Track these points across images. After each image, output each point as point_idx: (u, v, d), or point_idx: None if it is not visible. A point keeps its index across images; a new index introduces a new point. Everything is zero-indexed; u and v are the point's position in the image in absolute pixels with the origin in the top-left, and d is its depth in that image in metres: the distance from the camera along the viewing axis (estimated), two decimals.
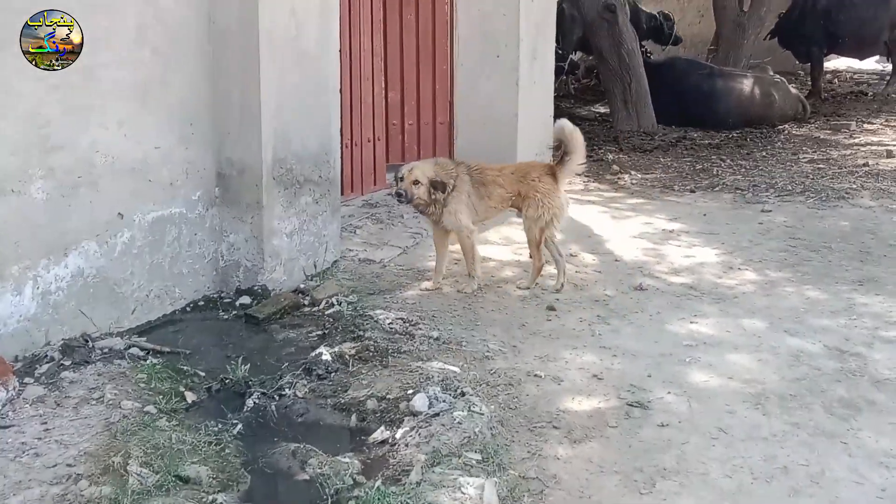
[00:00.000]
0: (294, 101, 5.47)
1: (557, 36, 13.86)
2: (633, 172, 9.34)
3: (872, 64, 17.13)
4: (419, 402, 4.13)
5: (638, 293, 5.83)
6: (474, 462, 3.65)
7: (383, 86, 7.42)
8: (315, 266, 5.80)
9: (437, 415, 4.04)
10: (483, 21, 7.88)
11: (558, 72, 13.55)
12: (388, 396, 4.27)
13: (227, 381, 4.46)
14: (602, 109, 13.40)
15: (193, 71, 5.19)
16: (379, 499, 3.40)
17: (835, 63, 17.08)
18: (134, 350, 4.66)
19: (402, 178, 5.53)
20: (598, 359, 4.82)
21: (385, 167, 7.52)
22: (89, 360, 4.48)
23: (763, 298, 5.80)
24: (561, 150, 5.79)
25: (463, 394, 4.20)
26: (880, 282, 6.05)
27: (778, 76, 12.87)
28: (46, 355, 4.48)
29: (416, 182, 5.50)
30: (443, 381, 4.33)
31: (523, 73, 7.86)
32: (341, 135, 6.26)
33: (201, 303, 5.40)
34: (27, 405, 4.05)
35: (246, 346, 4.89)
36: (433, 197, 5.53)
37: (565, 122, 5.79)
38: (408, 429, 3.97)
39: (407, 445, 3.85)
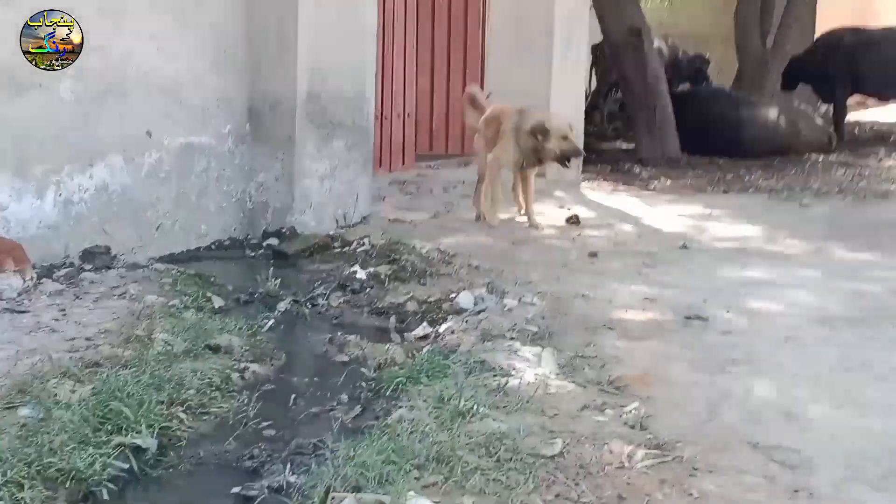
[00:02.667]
0: (330, 38, 5.32)
1: (595, 72, 13.94)
2: (663, 179, 9.12)
3: (894, 117, 17.03)
4: (464, 299, 3.86)
5: (683, 251, 5.55)
6: (530, 334, 3.35)
7: (415, 69, 7.28)
8: (345, 217, 5.56)
9: (484, 310, 3.75)
10: (516, 8, 7.77)
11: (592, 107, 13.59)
12: (429, 299, 4.00)
13: (256, 293, 4.19)
14: (625, 146, 13.25)
15: None
16: (430, 361, 3.10)
17: (857, 115, 17.00)
18: (158, 265, 4.40)
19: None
20: (649, 289, 4.52)
21: (414, 147, 7.33)
22: (111, 266, 4.22)
23: (814, 258, 5.51)
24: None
25: (509, 293, 3.92)
26: None
27: (805, 105, 12.73)
28: (66, 262, 4.23)
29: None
30: (488, 284, 4.05)
31: (556, 63, 7.72)
32: None
33: (227, 242, 5.17)
34: (44, 296, 3.78)
35: (274, 274, 4.61)
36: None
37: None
38: (452, 323, 3.68)
39: (453, 332, 3.56)
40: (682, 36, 17.34)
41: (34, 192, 4.17)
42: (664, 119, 11.50)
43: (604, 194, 7.98)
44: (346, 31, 5.45)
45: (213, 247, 5.08)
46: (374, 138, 6.14)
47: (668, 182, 9.01)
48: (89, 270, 4.12)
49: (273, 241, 5.15)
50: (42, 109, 4.18)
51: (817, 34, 16.19)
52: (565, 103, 7.89)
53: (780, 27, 13.77)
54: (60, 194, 4.29)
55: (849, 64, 13.95)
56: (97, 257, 4.25)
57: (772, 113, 11.93)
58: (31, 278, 3.83)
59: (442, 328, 3.65)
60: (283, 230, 5.23)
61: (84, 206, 4.40)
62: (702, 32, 17.69)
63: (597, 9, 10.72)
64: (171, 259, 4.75)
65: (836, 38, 14.17)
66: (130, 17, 4.53)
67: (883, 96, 15.08)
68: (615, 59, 11.82)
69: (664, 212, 7.05)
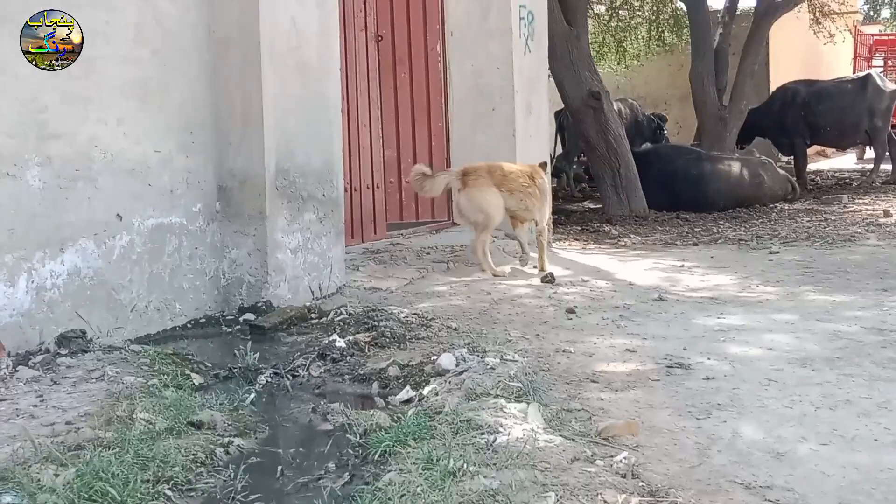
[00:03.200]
0: (296, 113, 5.37)
1: (560, 137, 14.14)
2: (632, 236, 9.21)
3: (853, 164, 17.35)
4: (446, 361, 3.84)
5: (658, 302, 5.59)
6: (515, 390, 3.34)
7: (381, 139, 7.35)
8: (320, 289, 5.55)
9: (466, 370, 3.74)
10: (477, 77, 7.91)
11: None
12: (410, 363, 3.98)
13: (235, 368, 4.15)
14: (592, 206, 13.38)
15: (193, 78, 5.09)
16: (416, 423, 3.07)
17: (816, 165, 17.30)
18: (135, 347, 4.35)
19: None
20: (628, 341, 4.55)
21: (385, 217, 7.37)
22: (87, 350, 4.17)
23: (788, 302, 5.57)
24: None
25: (489, 353, 3.92)
26: None
27: (765, 158, 12.95)
28: (41, 348, 4.18)
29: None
30: (468, 344, 4.05)
31: (519, 126, 7.82)
32: None
33: (202, 320, 5.10)
34: (20, 383, 3.72)
35: (253, 348, 4.57)
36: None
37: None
38: (435, 385, 3.66)
39: (437, 394, 3.53)
40: (640, 98, 17.76)
41: (6, 281, 4.12)
42: (629, 178, 11.67)
43: (575, 253, 8.05)
44: (312, 107, 5.50)
45: (188, 325, 5.02)
46: (344, 210, 6.16)
47: (638, 238, 9.11)
48: (65, 355, 4.06)
49: (249, 315, 5.11)
50: (10, 198, 4.14)
51: (772, 88, 16.61)
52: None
53: (736, 83, 14.15)
54: (33, 281, 4.24)
55: (805, 116, 14.28)
56: (72, 342, 4.19)
57: (734, 166, 12.15)
58: (7, 366, 3.77)
59: (426, 390, 3.62)
60: (259, 304, 5.20)
61: (57, 292, 4.35)
62: (659, 94, 18.12)
63: (555, 76, 10.94)
64: (147, 340, 4.69)
65: (791, 92, 14.53)
66: (96, 104, 4.53)
67: (840, 146, 15.42)
68: (577, 123, 12.02)
69: (637, 266, 7.11)
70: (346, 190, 6.50)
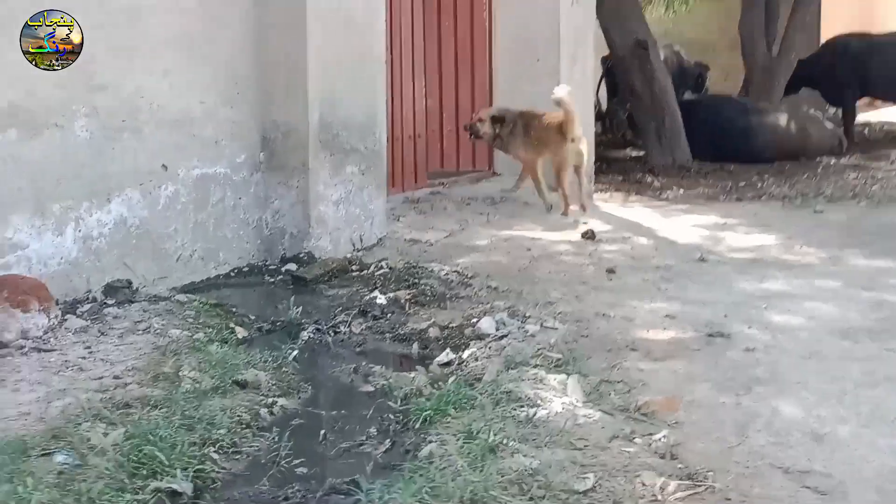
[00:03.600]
0: (340, 66, 5.35)
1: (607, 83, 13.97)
2: (675, 188, 9.11)
3: None
4: (486, 324, 3.87)
5: (700, 263, 5.55)
6: (554, 360, 3.36)
7: (424, 89, 7.31)
8: (361, 240, 5.58)
9: (506, 335, 3.77)
10: (522, 27, 7.79)
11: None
12: (450, 325, 4.00)
13: (278, 322, 4.21)
14: (634, 153, 13.25)
15: (240, 29, 5.09)
16: (456, 391, 3.10)
17: (865, 116, 16.94)
18: (180, 297, 4.42)
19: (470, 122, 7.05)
20: (668, 305, 4.53)
21: (425, 166, 7.37)
22: (133, 300, 4.24)
23: (831, 266, 5.51)
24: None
25: (530, 318, 3.93)
26: None
27: (813, 110, 12.72)
28: (88, 297, 4.26)
29: (480, 120, 6.95)
30: (509, 308, 4.06)
31: (563, 77, 7.70)
32: None
33: (245, 269, 5.17)
34: (69, 333, 3.80)
35: (296, 300, 4.62)
36: (497, 132, 6.93)
37: (562, 89, 6.83)
38: (475, 349, 3.69)
39: (477, 359, 3.56)
40: (687, 44, 17.38)
41: (53, 230, 4.19)
42: (673, 128, 11.52)
43: (617, 205, 7.99)
44: (356, 60, 5.48)
45: (232, 274, 5.09)
46: (386, 160, 6.16)
47: (681, 191, 9.01)
48: (112, 305, 4.15)
49: (291, 266, 5.16)
50: (58, 148, 4.20)
51: (823, 35, 16.22)
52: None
53: (786, 35, 13.78)
54: (80, 230, 4.31)
55: (856, 68, 13.95)
56: (119, 291, 4.28)
57: (781, 119, 11.93)
58: (56, 316, 3.85)
59: (465, 354, 3.65)
60: (301, 255, 5.25)
61: (103, 241, 4.42)
62: (707, 40, 17.72)
63: (602, 23, 10.74)
64: (191, 289, 4.76)
65: (843, 44, 14.17)
66: (142, 55, 4.55)
67: (891, 98, 15.07)
68: (623, 72, 11.84)
69: (679, 222, 7.05)
70: (388, 140, 6.49)
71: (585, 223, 6.84)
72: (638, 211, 7.62)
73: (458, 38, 7.72)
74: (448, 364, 3.62)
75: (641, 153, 12.34)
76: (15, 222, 4.04)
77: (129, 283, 4.38)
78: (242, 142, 5.15)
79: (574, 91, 7.60)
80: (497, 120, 6.98)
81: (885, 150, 13.00)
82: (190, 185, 4.85)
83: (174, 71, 4.74)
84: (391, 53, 6.67)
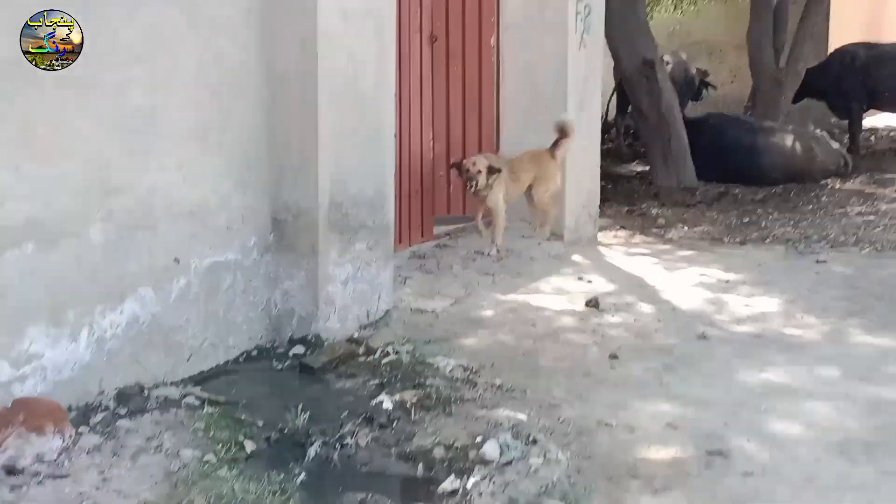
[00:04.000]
0: (351, 144, 5.40)
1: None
2: (679, 226, 9.19)
3: None
4: (490, 449, 3.94)
5: (702, 341, 5.65)
6: (559, 495, 3.46)
7: (431, 137, 7.36)
8: (368, 315, 5.65)
9: (510, 463, 3.86)
10: (530, 72, 7.84)
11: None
12: (455, 445, 4.09)
13: (286, 430, 4.29)
14: (639, 168, 13.31)
15: (251, 115, 5.12)
16: None
17: (872, 121, 16.94)
18: (189, 399, 4.50)
19: (467, 169, 7.05)
20: (670, 407, 4.63)
21: (433, 219, 7.43)
22: (145, 409, 4.32)
23: (831, 347, 5.60)
24: (560, 135, 7.45)
25: (535, 441, 4.02)
26: None
27: (819, 130, 12.75)
28: (101, 404, 4.34)
29: (479, 171, 7.01)
30: (513, 427, 4.15)
31: None
32: None
33: (254, 353, 5.25)
34: (83, 454, 3.88)
35: (303, 396, 4.70)
36: (489, 181, 7.04)
37: (567, 116, 7.55)
38: (479, 478, 3.78)
39: (481, 495, 3.66)
40: (695, 44, 17.38)
41: (68, 336, 4.27)
42: (679, 149, 11.59)
43: (621, 251, 8.06)
44: (367, 137, 5.53)
45: (240, 359, 5.16)
46: (393, 218, 6.21)
47: (685, 229, 9.08)
48: (124, 416, 4.23)
49: (299, 348, 5.24)
50: (74, 256, 4.26)
51: (832, 42, 16.17)
52: (580, 163, 7.99)
53: (794, 45, 13.76)
54: (94, 334, 4.38)
55: (864, 79, 13.95)
56: (131, 399, 4.36)
57: (787, 139, 11.98)
58: (70, 435, 3.94)
59: (469, 483, 3.74)
60: (309, 337, 5.31)
61: (116, 342, 4.49)
62: (715, 41, 17.69)
63: (609, 43, 10.75)
64: (201, 378, 4.84)
65: (850, 54, 14.17)
66: (156, 153, 4.60)
67: None
68: (629, 90, 11.87)
69: (682, 278, 7.14)
70: (396, 196, 6.54)
71: (590, 281, 6.94)
72: (641, 262, 7.69)
73: (466, 83, 7.75)
74: (454, 493, 3.72)
75: (646, 167, 12.40)
76: (31, 334, 4.11)
77: (141, 388, 4.47)
78: (253, 225, 5.20)
79: (580, 137, 7.69)
80: (493, 171, 7.10)
81: (890, 165, 13.05)
82: (202, 274, 4.91)
83: (188, 164, 4.78)
84: (400, 107, 6.70)
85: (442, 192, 7.69)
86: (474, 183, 7.02)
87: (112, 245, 4.44)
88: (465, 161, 7.19)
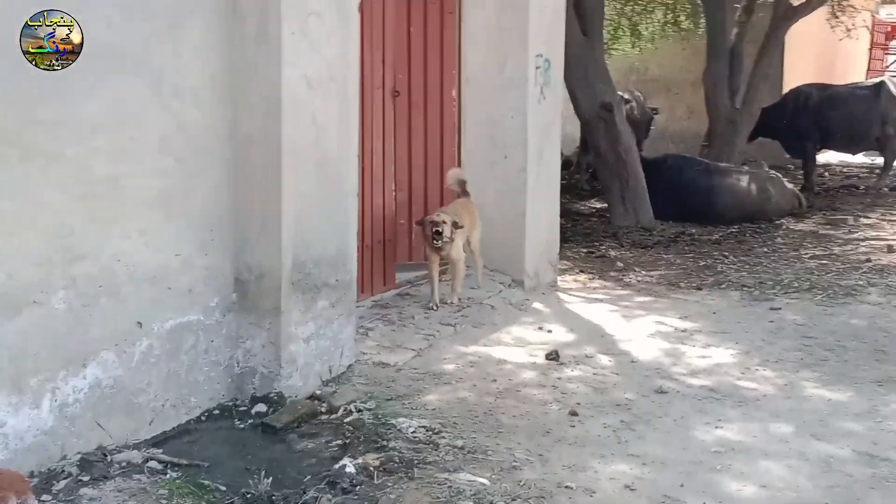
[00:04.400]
0: (314, 205, 5.46)
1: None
2: (637, 269, 9.34)
3: (861, 158, 17.33)
4: None
5: (659, 396, 5.75)
6: None
7: (394, 188, 7.45)
8: (330, 371, 5.71)
9: None
10: (491, 124, 7.96)
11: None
12: None
13: (248, 495, 4.32)
14: (598, 205, 13.50)
15: (215, 177, 5.17)
16: None
17: (825, 157, 17.31)
18: (152, 463, 4.53)
19: (438, 224, 7.08)
20: (628, 468, 4.72)
21: (395, 267, 7.51)
22: (108, 476, 4.34)
23: (785, 401, 5.73)
24: (462, 188, 7.70)
25: None
26: None
27: (773, 171, 13.02)
28: (63, 470, 4.35)
29: (445, 223, 7.07)
30: (474, 495, 4.22)
31: (531, 172, 7.90)
32: None
33: (216, 411, 5.27)
34: None
35: (265, 458, 4.75)
36: (451, 236, 7.13)
37: (458, 171, 7.87)
38: None
39: None
40: (652, 81, 17.70)
41: (30, 404, 4.28)
42: (637, 190, 11.78)
43: (581, 301, 8.17)
44: (330, 195, 5.59)
45: (202, 418, 5.19)
46: (356, 275, 6.27)
47: (643, 272, 9.23)
48: (87, 485, 4.24)
49: (261, 406, 5.28)
50: (37, 324, 4.28)
51: (786, 82, 16.56)
52: (540, 211, 8.12)
53: (749, 86, 14.09)
54: (56, 399, 4.40)
55: (817, 119, 14.29)
56: (93, 466, 4.37)
57: (743, 180, 12.23)
58: None
59: None
60: (271, 395, 5.34)
61: (79, 406, 4.51)
62: (672, 77, 18.02)
63: (568, 86, 10.92)
64: (164, 438, 4.88)
65: (804, 94, 14.51)
66: (120, 220, 4.64)
67: (850, 152, 15.45)
68: (588, 133, 12.07)
69: (640, 328, 7.25)
70: (358, 248, 6.60)
71: (550, 331, 7.04)
72: (600, 309, 7.80)
73: (427, 135, 7.86)
74: None
75: (605, 205, 12.58)
76: None
77: (104, 453, 4.49)
78: (215, 286, 5.23)
79: (540, 187, 7.83)
80: (456, 226, 7.18)
81: (843, 206, 13.36)
82: (164, 336, 4.94)
83: (151, 230, 4.82)
84: (363, 155, 6.76)
85: (404, 240, 7.78)
86: (441, 238, 7.05)
87: (75, 311, 4.46)
88: (430, 218, 7.22)
